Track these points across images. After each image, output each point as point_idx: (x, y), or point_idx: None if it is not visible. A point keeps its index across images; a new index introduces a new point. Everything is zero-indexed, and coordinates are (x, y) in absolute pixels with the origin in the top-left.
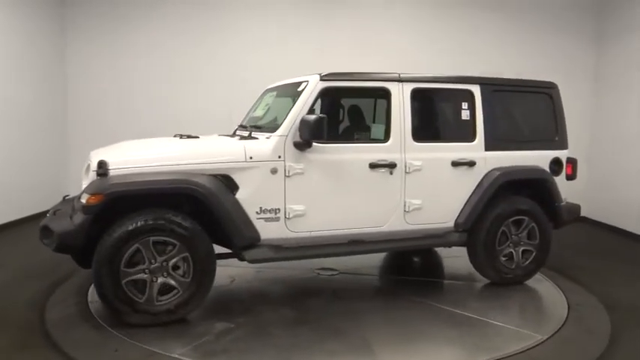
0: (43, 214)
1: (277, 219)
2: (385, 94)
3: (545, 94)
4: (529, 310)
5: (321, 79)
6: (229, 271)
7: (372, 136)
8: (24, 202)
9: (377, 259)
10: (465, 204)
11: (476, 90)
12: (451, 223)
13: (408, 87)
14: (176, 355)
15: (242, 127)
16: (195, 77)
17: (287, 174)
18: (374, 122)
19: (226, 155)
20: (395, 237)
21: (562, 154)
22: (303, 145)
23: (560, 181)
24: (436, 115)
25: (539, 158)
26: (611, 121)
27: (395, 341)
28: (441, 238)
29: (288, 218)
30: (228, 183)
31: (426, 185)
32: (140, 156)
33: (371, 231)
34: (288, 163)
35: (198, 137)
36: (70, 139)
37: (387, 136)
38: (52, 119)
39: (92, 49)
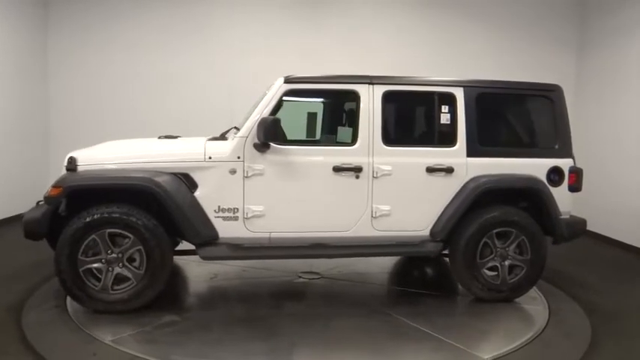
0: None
1: (236, 218)
2: (354, 97)
3: (544, 97)
4: (500, 325)
5: (285, 82)
6: (214, 268)
7: (338, 139)
8: (2, 205)
9: (378, 266)
10: (443, 212)
11: (458, 93)
12: (427, 232)
13: (380, 89)
14: (108, 342)
15: (236, 128)
16: (187, 77)
17: (246, 174)
18: (342, 125)
19: (186, 155)
20: (362, 243)
21: (564, 163)
22: (261, 146)
23: (562, 192)
24: (411, 118)
25: (534, 167)
26: (592, 130)
27: (321, 349)
28: (416, 247)
29: (246, 218)
30: (187, 181)
31: (397, 191)
32: (108, 154)
33: (335, 235)
34: (247, 163)
35: (177, 138)
36: (51, 140)
37: (354, 140)
38: (33, 121)
39: (75, 50)
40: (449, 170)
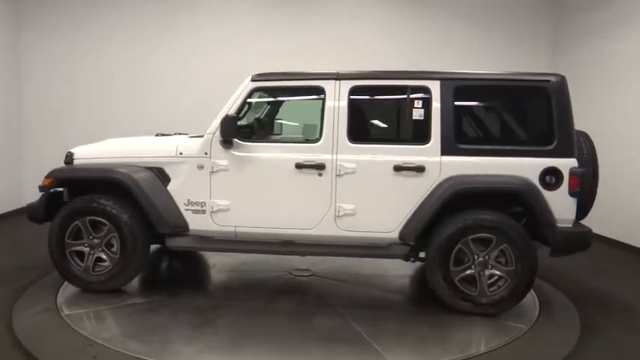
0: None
1: (203, 212)
2: (319, 93)
3: (537, 89)
4: (457, 335)
5: (251, 80)
6: (218, 259)
7: (303, 136)
8: None
9: (383, 269)
10: (413, 214)
11: (434, 86)
12: (395, 234)
13: (347, 85)
14: (64, 314)
15: None
16: (170, 74)
17: (212, 170)
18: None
19: (161, 151)
20: (327, 242)
21: (562, 164)
22: (224, 142)
23: (560, 197)
24: (381, 114)
25: (523, 167)
26: None
27: (238, 343)
28: (383, 249)
29: (212, 212)
30: (161, 175)
31: (361, 190)
32: (101, 150)
33: (300, 233)
34: (212, 159)
35: (170, 135)
36: (26, 140)
37: (319, 136)
38: (6, 120)
39: (50, 46)
40: (419, 169)
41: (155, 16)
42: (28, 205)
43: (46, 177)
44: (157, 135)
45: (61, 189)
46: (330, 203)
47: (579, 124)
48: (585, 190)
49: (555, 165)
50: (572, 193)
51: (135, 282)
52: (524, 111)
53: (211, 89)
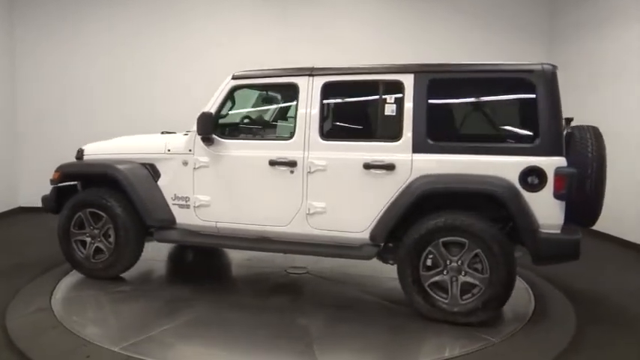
0: None
1: (188, 206)
2: (294, 89)
3: (521, 80)
4: (416, 340)
5: (232, 78)
6: (233, 254)
7: (277, 133)
8: None
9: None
10: (383, 214)
11: (407, 80)
12: (366, 234)
13: (320, 81)
14: (57, 296)
15: None
16: (165, 73)
17: (195, 166)
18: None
19: (152, 148)
20: (300, 239)
21: (546, 163)
22: (204, 140)
23: (544, 200)
24: (353, 110)
25: (502, 166)
26: None
27: (197, 335)
28: (355, 250)
29: (196, 207)
30: (152, 171)
31: (331, 188)
32: (108, 147)
33: (274, 230)
34: (196, 156)
35: (173, 133)
36: (19, 141)
37: (292, 134)
38: (0, 123)
39: (43, 44)
40: (389, 167)
41: (149, 11)
42: (43, 197)
43: (55, 171)
44: (162, 133)
45: (75, 182)
46: (301, 201)
47: (576, 119)
48: (584, 192)
49: (538, 164)
50: (558, 196)
51: (138, 274)
52: (505, 104)
53: (211, 85)
